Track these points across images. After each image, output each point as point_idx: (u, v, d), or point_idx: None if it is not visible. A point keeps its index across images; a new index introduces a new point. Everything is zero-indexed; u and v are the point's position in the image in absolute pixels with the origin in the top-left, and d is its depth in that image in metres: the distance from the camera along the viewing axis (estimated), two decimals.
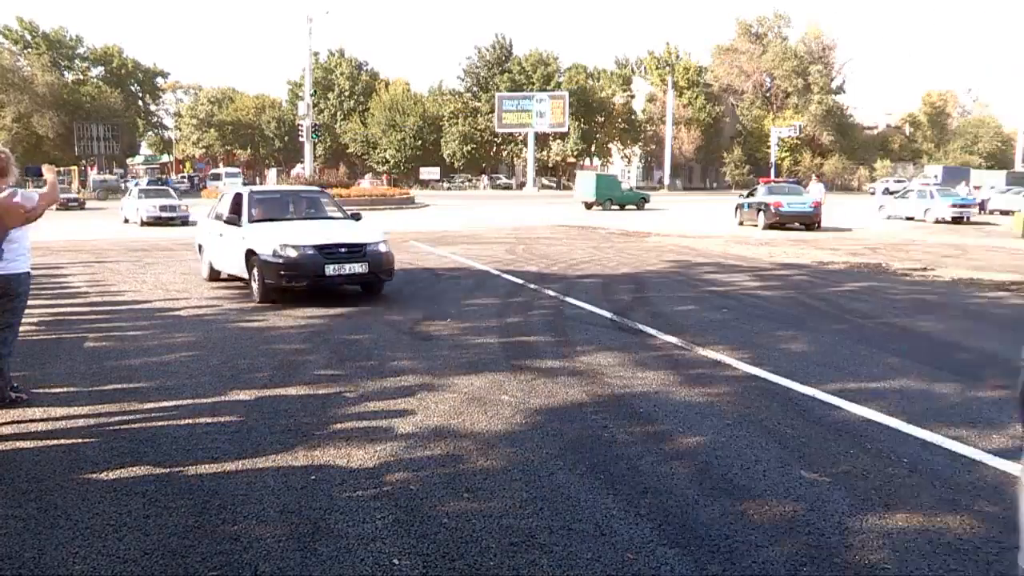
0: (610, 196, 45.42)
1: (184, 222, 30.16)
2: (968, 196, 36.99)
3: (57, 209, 41.07)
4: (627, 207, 45.41)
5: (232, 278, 12.83)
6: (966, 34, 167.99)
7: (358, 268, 10.95)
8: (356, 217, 12.69)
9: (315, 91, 66.73)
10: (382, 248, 11.34)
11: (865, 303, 11.59)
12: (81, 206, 45.68)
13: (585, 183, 47.49)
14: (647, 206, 46.27)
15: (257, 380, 6.89)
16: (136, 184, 46.41)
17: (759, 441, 5.34)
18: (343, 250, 10.90)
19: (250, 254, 11.12)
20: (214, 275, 13.25)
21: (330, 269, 10.69)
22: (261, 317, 10.04)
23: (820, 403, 6.30)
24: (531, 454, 5.06)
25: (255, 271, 11.05)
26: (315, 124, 56.49)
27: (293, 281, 10.70)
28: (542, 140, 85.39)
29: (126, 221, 31.99)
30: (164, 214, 30.52)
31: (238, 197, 12.52)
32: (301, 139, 55.39)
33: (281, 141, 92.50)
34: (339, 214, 12.92)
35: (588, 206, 44.95)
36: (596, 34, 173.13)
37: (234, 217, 11.92)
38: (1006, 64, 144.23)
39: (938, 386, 6.87)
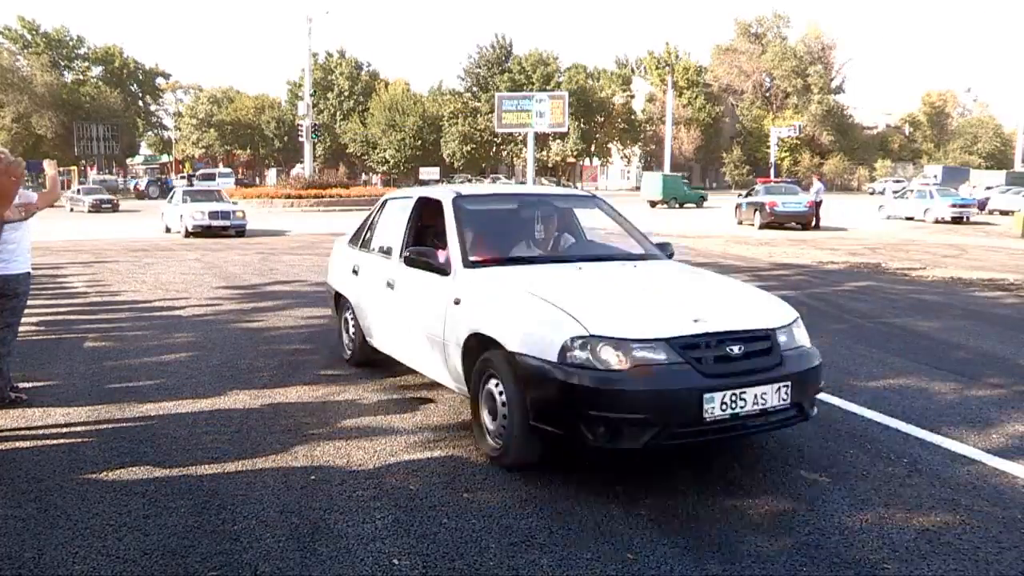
0: (675, 195, 48.62)
1: (240, 232, 24.51)
2: (968, 196, 37.10)
3: (88, 211, 40.69)
4: (686, 205, 48.40)
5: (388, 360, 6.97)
6: (966, 34, 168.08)
7: (773, 399, 4.53)
8: (667, 251, 6.71)
9: (315, 91, 66.84)
10: (801, 338, 5.05)
11: (864, 303, 11.59)
12: (115, 208, 42.35)
13: (652, 183, 51.35)
14: (705, 204, 49.63)
15: (257, 380, 6.90)
16: (178, 184, 45.56)
17: (759, 440, 5.33)
18: (735, 349, 4.55)
19: (483, 346, 5.00)
20: (366, 353, 7.26)
21: (716, 404, 4.33)
22: (261, 317, 10.04)
23: (819, 403, 6.29)
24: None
25: (504, 388, 4.78)
26: (315, 124, 56.48)
27: (623, 436, 4.29)
28: (542, 140, 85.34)
29: (168, 230, 26.05)
30: (216, 222, 23.99)
31: (427, 206, 6.47)
32: (301, 139, 55.32)
33: (281, 141, 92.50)
34: (639, 248, 6.62)
35: (653, 204, 47.52)
36: (596, 34, 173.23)
37: (425, 253, 5.77)
38: (1006, 64, 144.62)
39: (937, 386, 6.88)
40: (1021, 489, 4.60)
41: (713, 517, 4.14)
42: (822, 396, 6.41)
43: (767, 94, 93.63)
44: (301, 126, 54.37)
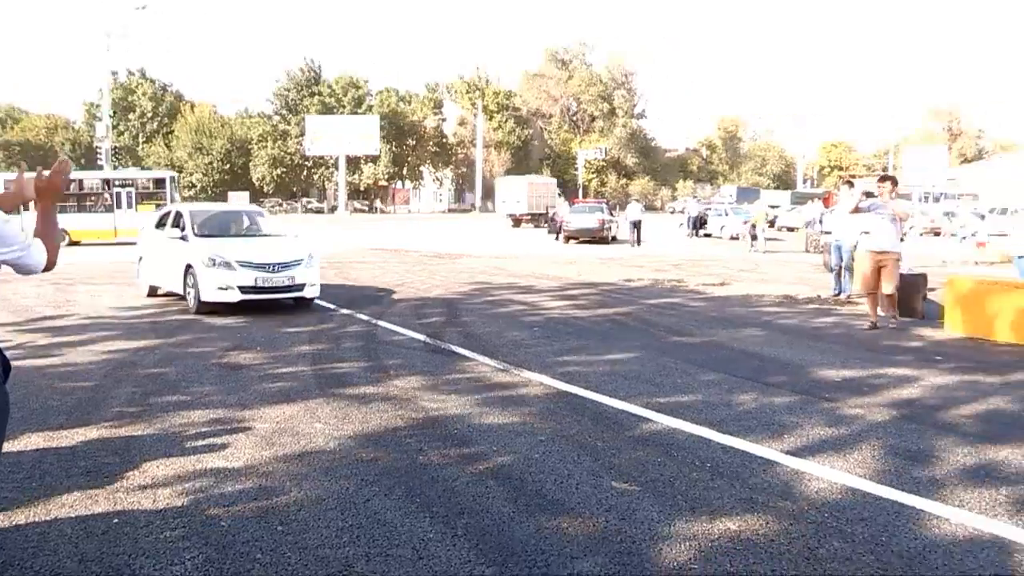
0: None
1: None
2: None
3: None
4: None
5: None
6: (755, 63, 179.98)
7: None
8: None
9: (114, 112, 63.51)
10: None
11: (669, 317, 12.15)
12: None
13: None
14: None
15: (52, 420, 6.43)
16: None
17: (572, 456, 5.48)
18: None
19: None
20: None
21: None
22: (58, 353, 9.39)
23: (629, 415, 6.55)
24: (346, 481, 4.99)
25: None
26: (115, 147, 53.72)
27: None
28: (353, 163, 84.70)
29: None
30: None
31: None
32: (100, 162, 52.50)
33: (78, 164, 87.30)
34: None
35: None
36: (407, 59, 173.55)
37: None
38: (787, 93, 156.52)
39: (737, 393, 7.30)
40: (808, 484, 4.96)
41: (529, 534, 4.21)
42: (630, 408, 6.69)
43: (574, 118, 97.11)
44: (100, 148, 51.59)
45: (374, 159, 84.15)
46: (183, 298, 13.04)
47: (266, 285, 12.32)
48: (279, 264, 12.44)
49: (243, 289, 12.13)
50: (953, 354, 9.44)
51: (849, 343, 10.14)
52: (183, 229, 13.16)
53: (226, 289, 12.07)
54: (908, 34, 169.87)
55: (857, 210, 11.27)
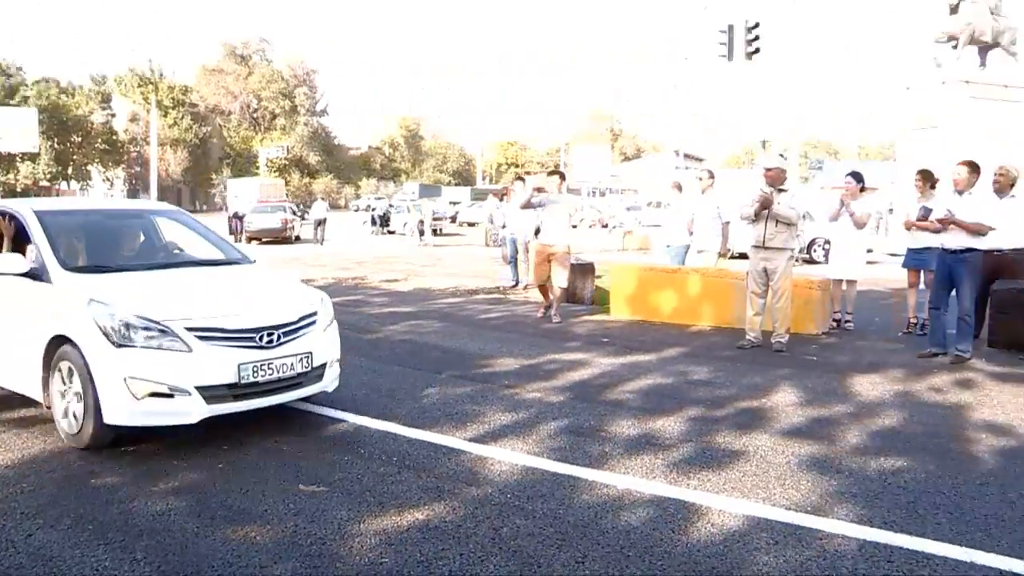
0: None
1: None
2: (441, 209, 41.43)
3: None
4: None
5: None
6: (434, 63, 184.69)
7: None
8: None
9: None
10: None
11: (352, 315, 12.15)
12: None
13: None
14: None
15: None
16: None
17: (258, 462, 5.36)
18: None
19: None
20: None
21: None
22: None
23: (315, 416, 6.52)
24: (2, 519, 4.49)
25: None
26: None
27: None
28: (8, 161, 76.53)
29: None
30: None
31: None
32: None
33: None
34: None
35: None
36: (68, 47, 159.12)
37: None
38: (465, 92, 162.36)
39: (421, 386, 7.50)
40: (492, 468, 5.25)
41: (215, 548, 4.08)
42: (315, 409, 6.67)
43: (255, 115, 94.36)
44: None
45: (33, 157, 76.48)
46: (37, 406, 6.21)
47: (263, 379, 5.68)
48: (282, 328, 5.91)
49: (209, 395, 5.44)
50: (618, 336, 10.33)
51: (524, 331, 10.74)
52: (35, 256, 6.17)
53: (169, 396, 5.35)
54: (569, 38, 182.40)
55: (528, 205, 11.88)
